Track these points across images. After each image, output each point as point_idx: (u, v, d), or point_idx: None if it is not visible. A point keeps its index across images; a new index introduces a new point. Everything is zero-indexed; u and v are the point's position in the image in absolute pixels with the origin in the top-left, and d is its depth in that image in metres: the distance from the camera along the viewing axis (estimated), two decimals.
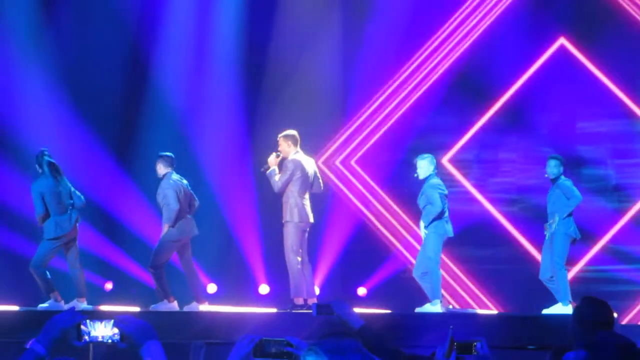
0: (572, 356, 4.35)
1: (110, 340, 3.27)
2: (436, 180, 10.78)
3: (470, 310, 10.87)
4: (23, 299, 11.31)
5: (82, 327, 3.28)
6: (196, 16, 13.54)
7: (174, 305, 10.67)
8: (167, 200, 10.56)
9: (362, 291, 13.08)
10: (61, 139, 12.48)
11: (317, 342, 2.45)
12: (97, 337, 3.28)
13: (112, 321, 3.26)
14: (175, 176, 10.74)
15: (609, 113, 13.34)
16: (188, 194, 10.78)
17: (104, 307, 11.03)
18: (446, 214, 10.66)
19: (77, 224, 10.62)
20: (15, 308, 10.82)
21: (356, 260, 13.20)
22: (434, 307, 10.38)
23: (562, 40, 13.47)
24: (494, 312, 10.86)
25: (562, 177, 10.84)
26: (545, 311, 10.51)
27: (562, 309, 10.42)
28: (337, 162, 13.63)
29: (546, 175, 10.90)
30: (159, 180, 10.76)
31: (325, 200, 12.94)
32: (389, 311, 10.84)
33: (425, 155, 10.90)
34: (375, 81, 13.48)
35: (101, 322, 3.28)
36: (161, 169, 10.76)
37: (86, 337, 3.28)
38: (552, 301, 10.54)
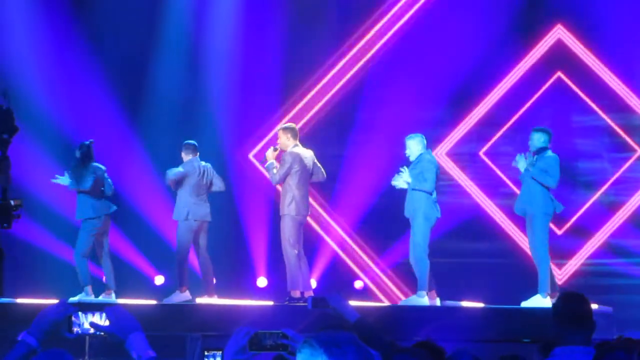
0: (557, 352, 4.37)
1: (102, 333, 3.26)
2: (430, 156, 10.70)
3: (463, 304, 10.83)
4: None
5: (74, 319, 3.27)
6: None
7: (187, 295, 10.75)
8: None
9: (359, 284, 13.09)
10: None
11: (313, 335, 2.44)
12: (88, 329, 3.27)
13: (103, 313, 3.25)
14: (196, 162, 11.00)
15: (606, 106, 13.34)
16: (208, 176, 10.97)
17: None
18: (434, 194, 10.55)
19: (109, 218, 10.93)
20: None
21: (354, 253, 13.21)
22: (421, 300, 10.33)
23: (558, 31, 13.46)
24: (483, 305, 10.83)
25: (549, 151, 10.52)
26: (523, 304, 10.40)
27: (541, 301, 10.27)
28: None
29: (530, 151, 10.55)
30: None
31: (329, 192, 12.98)
32: (386, 304, 10.84)
33: (414, 135, 10.79)
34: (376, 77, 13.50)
35: (92, 314, 3.27)
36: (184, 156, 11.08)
37: (77, 329, 3.27)
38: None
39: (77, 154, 10.79)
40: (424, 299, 10.34)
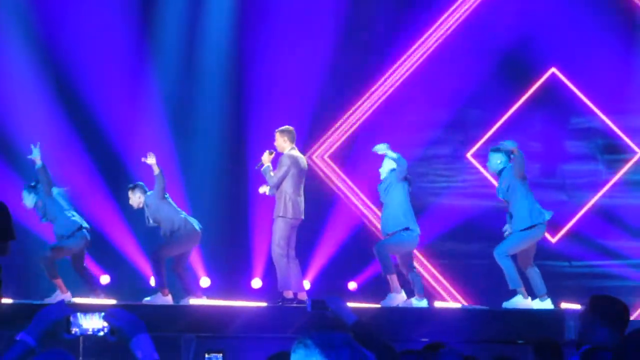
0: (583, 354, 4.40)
1: (100, 333, 3.27)
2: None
3: (463, 305, 10.89)
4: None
5: (72, 319, 3.28)
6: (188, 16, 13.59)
7: (169, 299, 10.74)
8: None
9: (352, 285, 13.09)
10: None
11: (308, 335, 2.46)
12: (86, 330, 3.29)
13: (102, 314, 3.26)
14: None
15: (599, 108, 13.37)
16: None
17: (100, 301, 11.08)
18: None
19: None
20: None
21: (347, 255, 13.21)
22: (419, 303, 10.44)
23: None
24: (477, 306, 10.88)
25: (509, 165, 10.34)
26: (505, 304, 10.41)
27: (521, 301, 10.26)
28: (326, 157, 13.63)
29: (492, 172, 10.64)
30: None
31: (321, 195, 12.99)
32: (378, 305, 10.85)
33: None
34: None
35: (91, 315, 3.28)
36: None
37: (76, 330, 3.29)
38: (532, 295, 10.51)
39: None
40: (422, 302, 10.43)
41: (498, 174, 10.50)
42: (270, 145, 10.78)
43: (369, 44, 13.58)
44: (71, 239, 10.97)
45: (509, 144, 10.12)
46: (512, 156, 10.19)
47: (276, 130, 10.74)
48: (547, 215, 10.40)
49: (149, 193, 11.08)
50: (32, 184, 11.04)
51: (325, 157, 13.61)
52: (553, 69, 13.46)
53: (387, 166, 10.74)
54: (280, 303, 10.42)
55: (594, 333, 4.45)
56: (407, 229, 10.55)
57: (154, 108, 13.34)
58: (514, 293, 10.29)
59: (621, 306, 4.58)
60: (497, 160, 10.38)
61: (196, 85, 13.55)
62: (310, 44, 13.21)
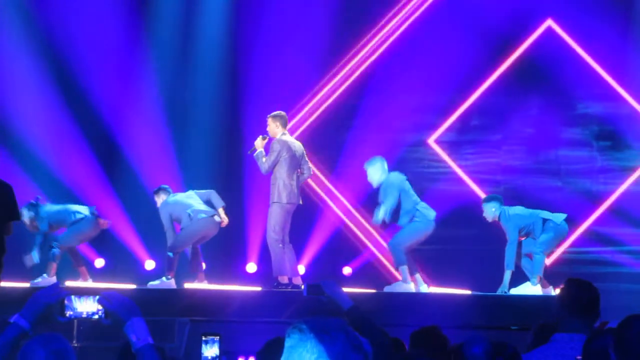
0: (557, 337, 4.37)
1: (94, 317, 3.27)
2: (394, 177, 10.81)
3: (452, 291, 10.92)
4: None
5: (66, 302, 3.28)
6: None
7: (172, 283, 10.80)
8: None
9: (347, 270, 13.11)
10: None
11: (303, 320, 2.45)
12: (81, 313, 3.28)
13: (97, 297, 3.26)
14: None
15: (595, 95, 13.36)
16: None
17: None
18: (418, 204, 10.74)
19: None
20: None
21: (342, 241, 13.23)
22: (406, 286, 10.51)
23: (549, 22, 13.48)
24: (470, 292, 10.91)
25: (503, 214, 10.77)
26: (513, 290, 10.59)
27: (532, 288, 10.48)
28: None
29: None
30: None
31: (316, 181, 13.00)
32: (373, 290, 10.87)
33: (373, 160, 10.90)
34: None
35: (86, 298, 3.28)
36: None
37: (70, 313, 3.28)
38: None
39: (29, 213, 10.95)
40: (409, 285, 10.47)
41: (498, 220, 10.79)
42: (264, 131, 10.77)
43: (363, 30, 13.57)
44: (81, 222, 11.02)
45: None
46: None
47: (268, 115, 10.73)
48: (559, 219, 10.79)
49: (170, 197, 11.15)
50: (33, 202, 11.07)
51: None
52: (549, 21, 13.46)
53: (375, 174, 10.77)
54: (274, 288, 10.43)
55: (565, 320, 4.41)
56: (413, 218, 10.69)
57: (150, 96, 13.35)
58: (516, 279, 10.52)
59: (591, 293, 4.51)
60: (492, 208, 10.74)
61: (191, 73, 13.59)
62: (304, 32, 13.23)
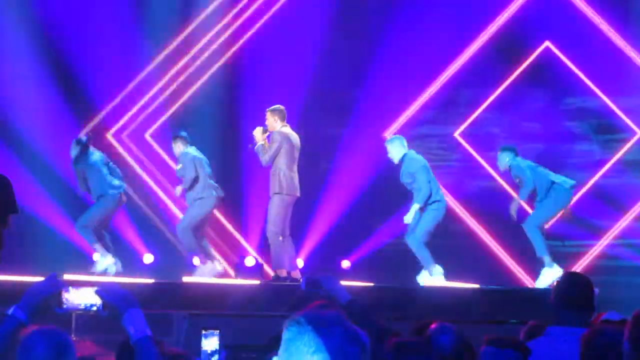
0: (552, 331, 4.36)
1: (92, 309, 3.27)
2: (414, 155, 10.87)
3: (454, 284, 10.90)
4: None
5: (64, 294, 3.27)
6: None
7: (215, 268, 10.99)
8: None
9: (346, 264, 13.11)
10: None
11: (301, 314, 2.45)
12: (78, 304, 3.28)
13: (95, 289, 3.25)
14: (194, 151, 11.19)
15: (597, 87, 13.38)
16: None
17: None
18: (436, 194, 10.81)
19: None
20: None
21: (341, 233, 13.23)
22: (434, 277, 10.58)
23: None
24: (471, 286, 10.91)
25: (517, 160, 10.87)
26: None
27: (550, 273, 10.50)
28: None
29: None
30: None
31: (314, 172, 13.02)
32: (371, 284, 10.87)
33: (393, 138, 11.01)
34: None
35: (83, 290, 3.27)
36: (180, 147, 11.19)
37: (68, 305, 3.28)
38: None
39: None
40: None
41: (509, 170, 10.93)
42: (261, 123, 10.76)
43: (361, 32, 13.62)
44: (103, 198, 11.01)
45: None
46: None
47: (267, 109, 10.72)
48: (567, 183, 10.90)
49: (188, 149, 11.09)
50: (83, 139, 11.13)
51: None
52: (547, 43, 13.47)
53: (394, 151, 10.83)
54: (273, 281, 10.43)
55: (559, 313, 4.40)
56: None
57: (148, 88, 13.36)
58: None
59: (587, 287, 4.49)
60: (505, 158, 10.93)
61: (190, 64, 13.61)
62: (302, 28, 13.27)
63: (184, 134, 11.33)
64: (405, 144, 10.99)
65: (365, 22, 13.65)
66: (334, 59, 13.43)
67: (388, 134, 13.18)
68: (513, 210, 10.84)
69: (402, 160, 10.86)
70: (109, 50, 12.99)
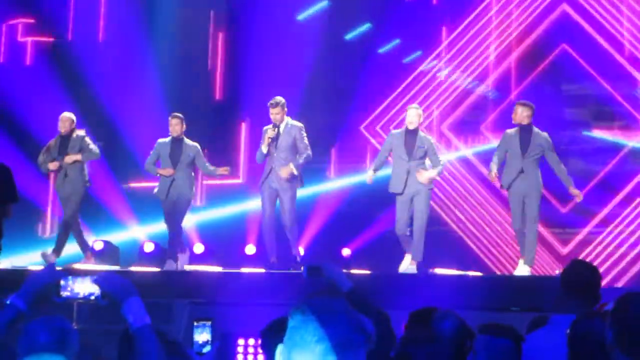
0: (556, 320, 4.32)
1: (91, 297, 3.24)
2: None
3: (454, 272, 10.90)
4: None
5: (63, 283, 3.25)
6: None
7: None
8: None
9: (346, 252, 13.11)
10: None
11: (305, 302, 2.42)
12: (77, 293, 3.26)
13: (93, 278, 3.23)
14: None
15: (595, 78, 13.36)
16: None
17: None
18: None
19: None
20: None
21: (341, 222, 13.25)
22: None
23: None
24: (471, 273, 10.91)
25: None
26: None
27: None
28: None
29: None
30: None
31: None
32: (369, 272, 10.87)
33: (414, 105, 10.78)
34: None
35: (82, 278, 3.25)
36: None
37: (66, 294, 3.26)
38: None
39: None
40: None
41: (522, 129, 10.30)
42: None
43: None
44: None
45: None
46: None
47: (276, 104, 10.57)
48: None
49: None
50: None
51: None
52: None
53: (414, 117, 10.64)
54: (292, 269, 10.38)
55: (562, 300, 4.37)
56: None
57: (150, 82, 13.40)
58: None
59: (591, 275, 4.45)
60: (523, 113, 10.21)
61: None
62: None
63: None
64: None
65: None
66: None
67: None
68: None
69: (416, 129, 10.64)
70: None
